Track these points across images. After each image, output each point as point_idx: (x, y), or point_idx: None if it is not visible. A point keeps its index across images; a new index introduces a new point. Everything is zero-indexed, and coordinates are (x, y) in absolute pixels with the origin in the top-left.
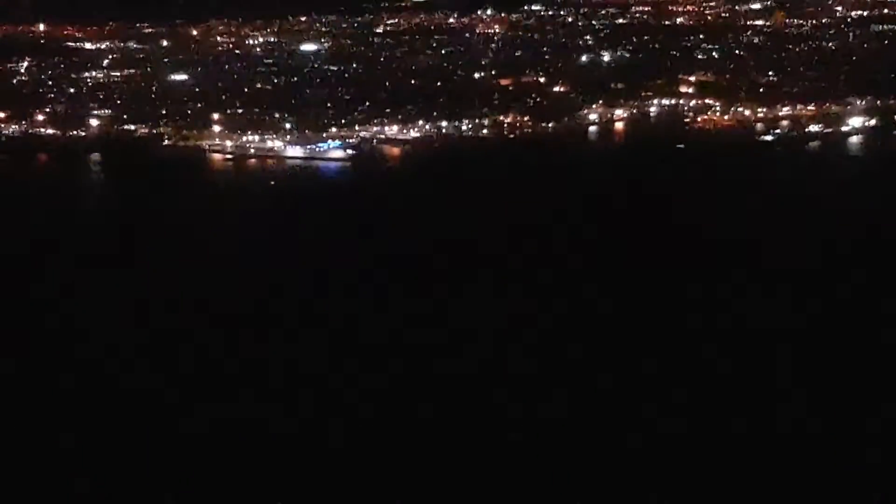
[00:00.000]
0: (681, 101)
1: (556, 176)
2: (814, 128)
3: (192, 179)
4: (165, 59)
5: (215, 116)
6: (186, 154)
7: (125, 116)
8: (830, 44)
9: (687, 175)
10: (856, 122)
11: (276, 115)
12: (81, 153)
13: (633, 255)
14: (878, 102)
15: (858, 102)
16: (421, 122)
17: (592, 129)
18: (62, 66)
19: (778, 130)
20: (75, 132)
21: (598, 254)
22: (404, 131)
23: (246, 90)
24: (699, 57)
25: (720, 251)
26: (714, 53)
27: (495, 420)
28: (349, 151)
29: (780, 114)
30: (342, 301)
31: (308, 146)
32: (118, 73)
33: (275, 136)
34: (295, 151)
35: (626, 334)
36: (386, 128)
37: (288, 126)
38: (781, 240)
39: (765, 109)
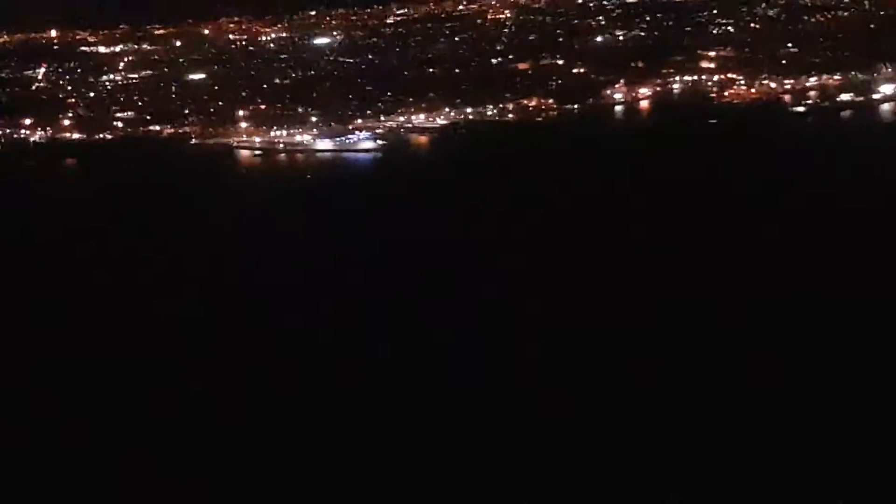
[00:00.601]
0: (703, 77)
1: (592, 156)
2: (845, 97)
3: (227, 175)
4: (181, 60)
5: (240, 113)
6: (215, 151)
7: (148, 117)
8: (845, 13)
9: (725, 149)
10: (887, 89)
11: (300, 110)
12: (111, 155)
13: (686, 229)
14: None
15: (886, 70)
16: (446, 110)
17: (618, 108)
18: (79, 70)
19: (809, 101)
20: (101, 136)
21: (652, 229)
22: (431, 119)
23: (265, 86)
24: (714, 32)
25: (772, 222)
26: (730, 28)
27: None
28: (380, 142)
29: (808, 84)
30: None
31: (337, 138)
32: (136, 76)
33: (301, 130)
34: (325, 144)
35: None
36: (413, 117)
37: (314, 119)
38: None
39: (791, 81)
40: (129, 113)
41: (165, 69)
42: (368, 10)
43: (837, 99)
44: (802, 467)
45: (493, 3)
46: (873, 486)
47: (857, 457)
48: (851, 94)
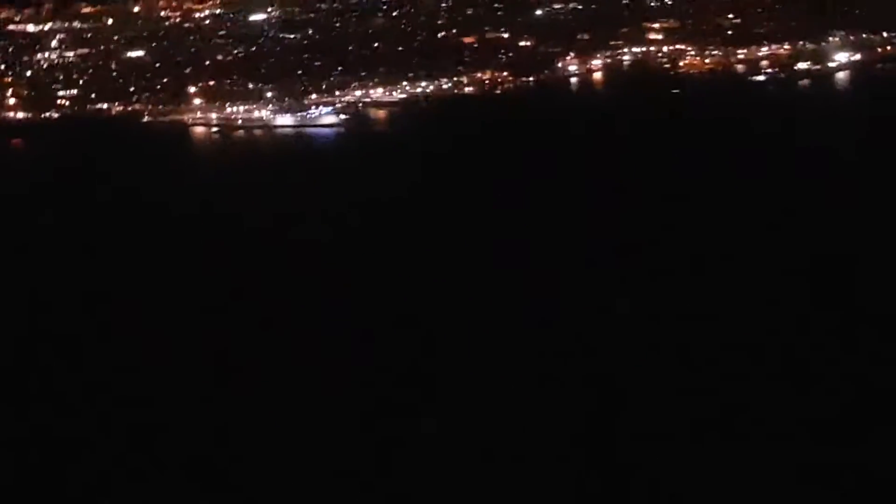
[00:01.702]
0: (651, 49)
1: (557, 127)
2: (802, 65)
3: (185, 152)
4: (115, 37)
5: (191, 90)
6: (170, 129)
7: (93, 96)
8: None
9: (696, 117)
10: (841, 57)
11: (250, 86)
12: (60, 133)
13: (660, 202)
14: (854, 38)
15: (834, 39)
16: (404, 84)
17: (574, 80)
18: (10, 49)
19: (770, 70)
20: (47, 114)
21: (628, 203)
22: (388, 94)
23: (207, 63)
24: (653, 5)
25: (745, 191)
26: (667, 0)
27: None
28: (342, 116)
29: (760, 54)
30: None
31: (298, 114)
32: (71, 54)
33: (256, 105)
34: (285, 120)
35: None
36: (370, 91)
37: (269, 95)
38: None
39: (744, 51)
40: (72, 91)
41: (101, 47)
42: None
43: (795, 68)
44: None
45: None
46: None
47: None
48: (809, 63)
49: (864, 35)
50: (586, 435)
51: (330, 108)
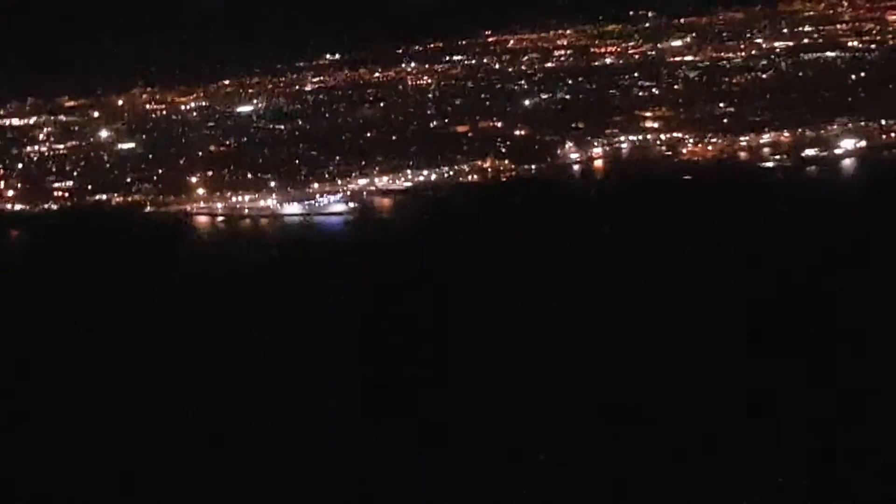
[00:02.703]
0: (648, 136)
1: (566, 214)
2: (809, 152)
3: (193, 241)
4: (104, 129)
5: (192, 180)
6: (176, 219)
7: (89, 187)
8: (763, 74)
9: (714, 204)
10: (847, 144)
11: (249, 175)
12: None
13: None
14: (859, 125)
15: (835, 127)
16: (408, 173)
17: (576, 167)
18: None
19: (777, 156)
20: (45, 206)
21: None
22: (392, 182)
23: (201, 153)
24: (640, 94)
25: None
26: (654, 90)
27: None
28: (350, 204)
29: (762, 141)
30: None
31: (305, 202)
32: (61, 146)
33: (259, 194)
34: (292, 208)
35: None
36: (375, 179)
37: (273, 184)
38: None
39: (747, 138)
40: (67, 182)
41: (90, 139)
42: (283, 79)
43: (802, 155)
44: None
45: (410, 70)
46: None
47: None
48: (816, 150)
49: (866, 123)
50: None
51: (338, 197)
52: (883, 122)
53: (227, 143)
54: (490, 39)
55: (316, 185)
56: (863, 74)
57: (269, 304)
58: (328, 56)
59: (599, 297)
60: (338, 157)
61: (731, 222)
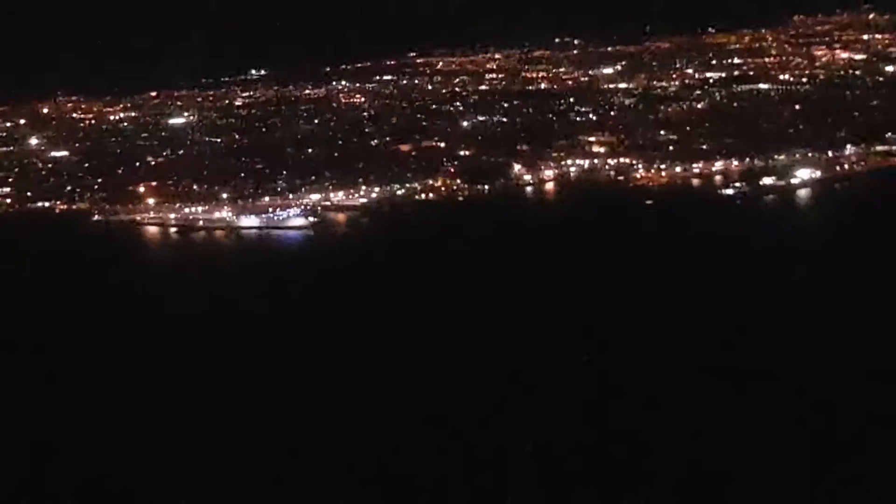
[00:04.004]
0: (595, 161)
1: (526, 236)
2: (767, 180)
3: (149, 253)
4: (34, 137)
5: (140, 189)
6: (129, 228)
7: (29, 194)
8: (699, 104)
9: (684, 231)
10: (803, 174)
11: (195, 187)
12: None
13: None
14: (809, 156)
15: (781, 157)
16: (362, 188)
17: (529, 189)
18: None
19: (738, 184)
20: None
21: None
22: (348, 198)
23: (138, 164)
24: (577, 119)
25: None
26: (591, 115)
27: None
28: (311, 219)
29: (714, 169)
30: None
31: (262, 215)
32: None
33: (213, 206)
34: (249, 221)
35: None
36: (330, 194)
37: (225, 196)
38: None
39: (699, 165)
40: (5, 189)
41: (20, 146)
42: (212, 93)
43: (761, 183)
44: None
45: (342, 88)
46: None
47: None
48: (774, 178)
49: (817, 155)
50: None
51: (296, 211)
52: (829, 153)
53: (165, 154)
54: (419, 61)
55: (267, 199)
56: (797, 107)
57: (233, 317)
58: (253, 71)
59: (567, 324)
60: (284, 172)
61: (696, 247)
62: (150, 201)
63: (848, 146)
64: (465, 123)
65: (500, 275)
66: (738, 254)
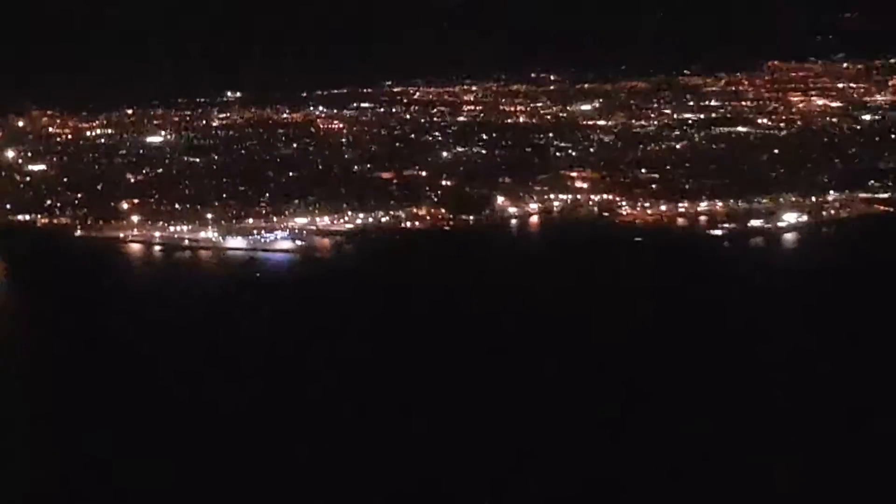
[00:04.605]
0: (578, 196)
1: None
2: (755, 222)
3: (131, 271)
4: (10, 150)
5: (124, 206)
6: (113, 245)
7: (8, 206)
8: (678, 144)
9: (674, 269)
10: (790, 217)
11: (177, 206)
12: None
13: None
14: (794, 200)
15: (764, 200)
16: (347, 213)
17: (513, 222)
18: None
19: (727, 225)
20: None
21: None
22: (333, 223)
23: (118, 181)
24: (556, 154)
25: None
26: (571, 151)
27: None
28: (298, 243)
29: (699, 209)
30: None
31: (248, 237)
32: None
33: (191, 226)
34: (236, 242)
35: None
36: (316, 219)
37: (209, 217)
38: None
39: (685, 205)
40: None
41: None
42: (189, 113)
43: (748, 224)
44: None
45: (319, 113)
46: None
47: None
48: (762, 221)
49: (803, 199)
50: None
51: (284, 234)
52: (813, 198)
53: (144, 172)
54: (395, 90)
55: (251, 221)
56: (776, 151)
57: (218, 339)
58: (229, 93)
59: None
60: (267, 194)
61: (687, 285)
62: (135, 218)
63: (831, 192)
64: (444, 154)
65: (491, 305)
66: (728, 293)
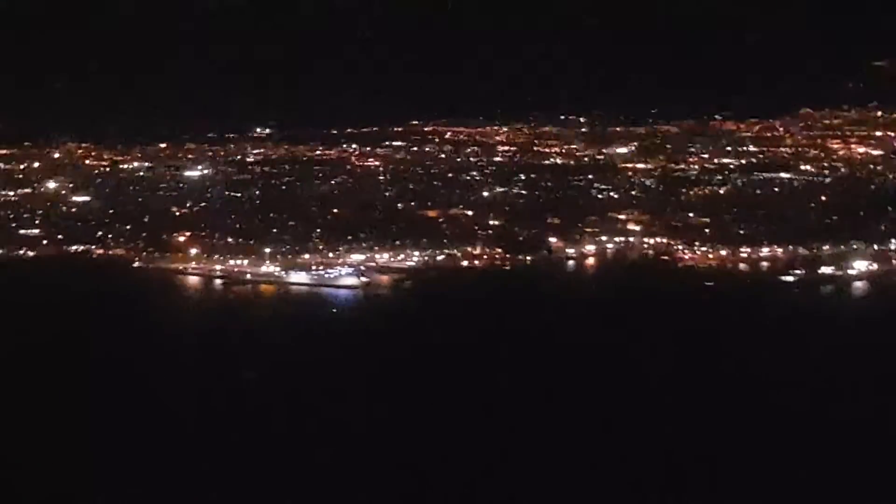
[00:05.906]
0: (631, 238)
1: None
2: (825, 269)
3: (208, 304)
4: (52, 181)
5: (180, 239)
6: (172, 277)
7: (60, 237)
8: (721, 189)
9: (747, 315)
10: (861, 265)
11: (230, 240)
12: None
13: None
14: (858, 248)
15: (826, 247)
16: (409, 252)
17: (570, 263)
18: None
19: (798, 271)
20: (19, 252)
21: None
22: (391, 260)
23: (165, 213)
24: (599, 196)
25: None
26: (612, 194)
27: None
28: (363, 279)
29: (761, 254)
30: None
31: (313, 272)
32: (12, 193)
33: (247, 260)
34: (299, 277)
35: None
36: (376, 255)
37: (267, 251)
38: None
39: (748, 250)
40: (34, 231)
41: (41, 189)
42: (222, 149)
43: (819, 271)
44: None
45: (352, 150)
46: None
47: None
48: (833, 268)
49: (870, 246)
50: None
51: (348, 270)
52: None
53: (188, 205)
54: (427, 129)
55: (307, 256)
56: (823, 198)
57: (282, 373)
58: (258, 129)
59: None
60: (318, 230)
61: (759, 331)
62: (192, 251)
63: (892, 240)
64: (485, 193)
65: (559, 348)
66: (810, 340)
